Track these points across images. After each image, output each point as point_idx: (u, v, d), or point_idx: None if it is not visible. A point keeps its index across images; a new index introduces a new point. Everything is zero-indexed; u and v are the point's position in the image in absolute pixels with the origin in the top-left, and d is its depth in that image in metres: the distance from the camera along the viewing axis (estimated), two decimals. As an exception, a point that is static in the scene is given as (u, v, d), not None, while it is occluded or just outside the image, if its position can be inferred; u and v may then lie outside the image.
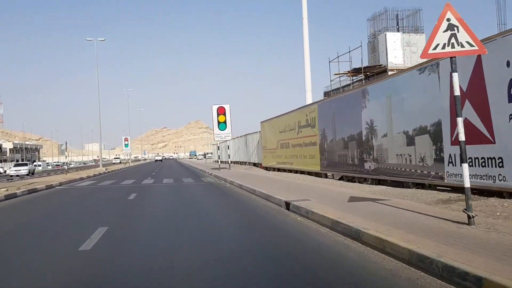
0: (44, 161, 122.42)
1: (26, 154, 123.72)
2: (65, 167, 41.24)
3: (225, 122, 31.26)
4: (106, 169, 45.63)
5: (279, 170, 24.06)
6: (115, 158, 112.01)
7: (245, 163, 34.89)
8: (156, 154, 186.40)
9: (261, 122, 27.99)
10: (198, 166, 45.83)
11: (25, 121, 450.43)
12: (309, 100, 50.03)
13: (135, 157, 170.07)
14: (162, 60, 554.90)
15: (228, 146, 32.00)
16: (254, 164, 31.15)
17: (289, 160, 21.79)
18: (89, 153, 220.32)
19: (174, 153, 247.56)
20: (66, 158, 49.15)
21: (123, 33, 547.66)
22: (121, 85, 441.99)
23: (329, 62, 35.98)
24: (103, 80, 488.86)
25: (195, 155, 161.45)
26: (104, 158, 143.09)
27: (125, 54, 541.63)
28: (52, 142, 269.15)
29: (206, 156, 61.02)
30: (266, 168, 26.80)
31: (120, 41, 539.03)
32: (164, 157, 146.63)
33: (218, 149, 31.64)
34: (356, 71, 33.88)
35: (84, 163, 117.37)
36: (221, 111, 31.41)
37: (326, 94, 47.00)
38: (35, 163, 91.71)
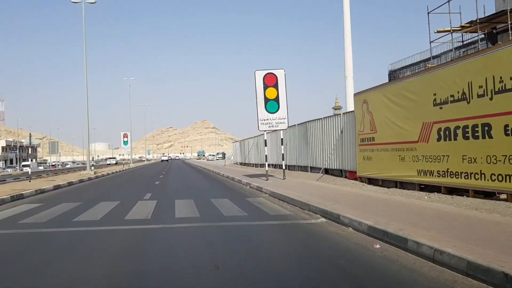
0: (44, 161, 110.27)
1: (22, 153, 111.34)
2: (29, 169, 28.40)
3: (276, 99, 18.22)
4: (94, 173, 33.13)
5: (422, 187, 10.96)
6: (109, 159, 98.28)
7: (302, 168, 21.80)
8: (162, 154, 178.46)
9: (355, 95, 14.86)
10: (217, 170, 32.74)
11: (30, 120, 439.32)
12: (350, 89, 35.89)
13: (139, 157, 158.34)
14: (168, 59, 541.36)
15: (282, 140, 18.81)
16: (327, 171, 17.97)
17: (498, 168, 8.56)
18: (93, 153, 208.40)
19: (181, 153, 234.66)
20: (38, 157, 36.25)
21: (127, 32, 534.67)
22: (125, 85, 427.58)
23: (428, 13, 22.80)
24: (107, 80, 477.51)
25: (204, 155, 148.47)
26: (108, 158, 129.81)
27: (131, 51, 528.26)
28: (56, 141, 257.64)
29: (225, 156, 47.21)
30: (369, 181, 13.68)
31: (123, 40, 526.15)
32: (170, 157, 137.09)
33: (265, 145, 18.47)
34: (485, 21, 20.60)
35: (83, 163, 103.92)
36: (269, 82, 18.36)
37: (392, 73, 34.09)
38: (23, 163, 79.19)
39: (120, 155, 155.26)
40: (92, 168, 46.52)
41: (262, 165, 32.97)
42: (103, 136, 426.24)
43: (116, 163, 76.57)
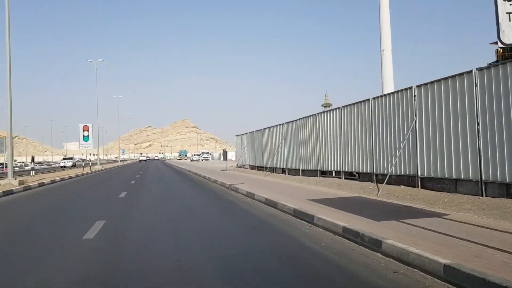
0: (13, 162, 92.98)
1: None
2: None
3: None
4: (19, 183, 19.35)
5: None
6: (65, 159, 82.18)
7: (440, 185, 7.98)
8: (140, 154, 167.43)
9: None
10: (224, 179, 18.79)
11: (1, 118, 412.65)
12: (387, 65, 26.46)
13: (115, 157, 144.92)
14: (148, 58, 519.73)
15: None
16: None
17: None
18: (68, 152, 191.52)
19: (160, 153, 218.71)
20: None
21: (107, 31, 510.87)
22: (112, 86, 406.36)
23: None
24: (85, 78, 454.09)
25: (186, 155, 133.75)
26: (64, 158, 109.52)
27: (113, 48, 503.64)
28: (27, 140, 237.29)
29: (227, 156, 32.03)
30: None
31: (106, 38, 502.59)
32: (148, 158, 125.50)
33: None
34: None
35: (48, 165, 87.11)
36: None
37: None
38: (-37, 165, 63.53)
39: (94, 155, 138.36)
40: (32, 173, 31.89)
41: (309, 172, 18.13)
42: (78, 135, 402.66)
43: (73, 165, 60.68)
